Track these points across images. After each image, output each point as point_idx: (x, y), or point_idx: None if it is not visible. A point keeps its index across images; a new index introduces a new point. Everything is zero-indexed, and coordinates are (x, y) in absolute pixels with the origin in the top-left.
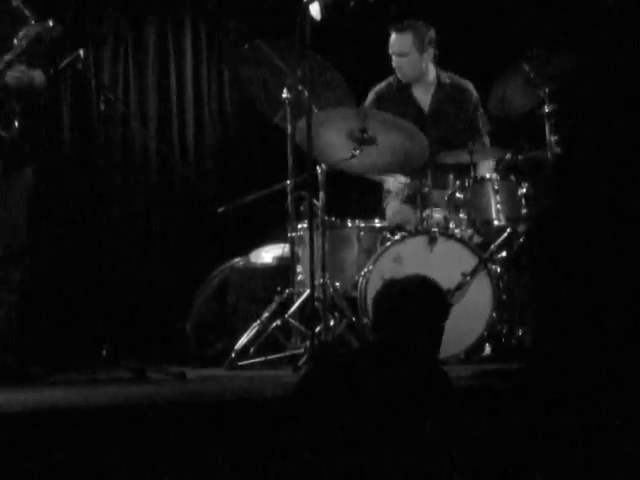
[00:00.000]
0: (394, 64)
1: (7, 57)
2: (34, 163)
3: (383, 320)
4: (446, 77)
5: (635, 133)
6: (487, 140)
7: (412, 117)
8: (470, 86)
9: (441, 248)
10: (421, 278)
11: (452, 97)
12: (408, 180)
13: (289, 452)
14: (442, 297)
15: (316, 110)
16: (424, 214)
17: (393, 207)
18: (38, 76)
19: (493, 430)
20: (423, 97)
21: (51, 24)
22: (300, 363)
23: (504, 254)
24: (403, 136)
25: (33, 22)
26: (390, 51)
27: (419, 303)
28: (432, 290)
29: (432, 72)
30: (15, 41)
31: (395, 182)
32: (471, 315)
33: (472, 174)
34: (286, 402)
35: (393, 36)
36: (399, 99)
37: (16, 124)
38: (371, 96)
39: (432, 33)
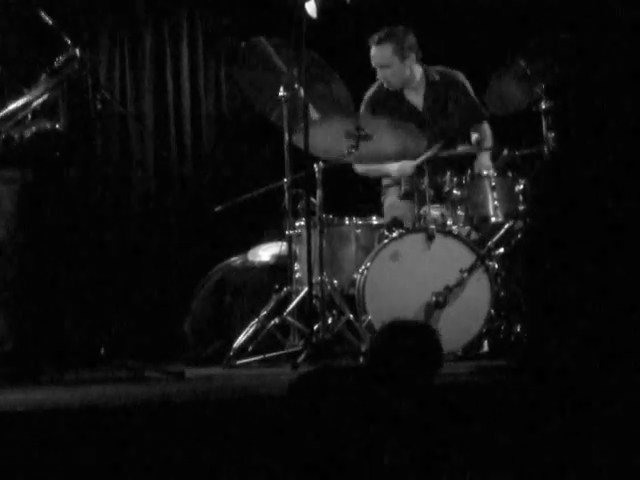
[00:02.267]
0: (379, 75)
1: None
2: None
3: (379, 362)
4: (434, 73)
5: (634, 129)
6: (487, 126)
7: (408, 118)
8: (460, 76)
9: (439, 245)
10: (421, 326)
11: (444, 91)
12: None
13: (288, 451)
14: (439, 349)
15: (313, 109)
16: (421, 211)
17: (390, 202)
18: None
19: (491, 427)
20: (415, 97)
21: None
22: (298, 361)
23: (502, 250)
24: (399, 131)
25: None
26: (372, 63)
27: (415, 353)
28: (430, 340)
29: (419, 72)
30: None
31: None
32: (469, 312)
33: (469, 171)
34: (282, 403)
35: (373, 49)
36: (392, 102)
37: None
38: (364, 104)
39: (411, 37)
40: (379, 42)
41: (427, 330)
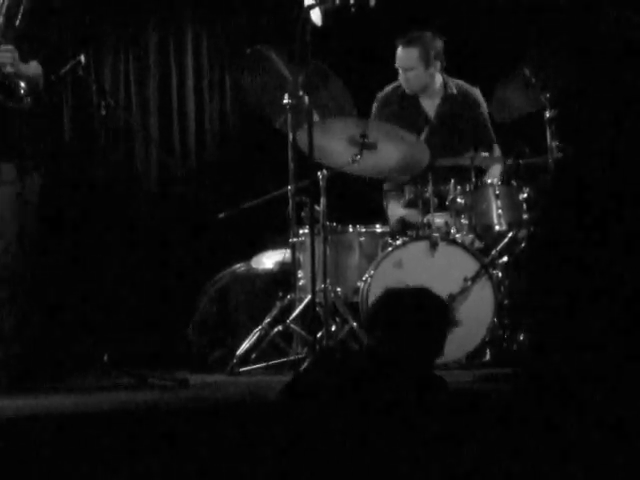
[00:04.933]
0: (400, 77)
1: None
2: (42, 167)
3: (378, 327)
4: (453, 86)
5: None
6: (497, 148)
7: (417, 124)
8: (478, 94)
9: (442, 253)
10: (425, 291)
11: (459, 106)
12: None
13: (290, 456)
14: (446, 313)
15: (317, 116)
16: (425, 219)
17: (394, 206)
18: (34, 66)
19: (494, 434)
20: (429, 105)
21: None
22: (302, 368)
23: (505, 259)
24: (404, 143)
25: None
26: (396, 64)
27: (418, 317)
28: (435, 304)
29: (439, 81)
30: None
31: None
32: (472, 320)
33: (473, 179)
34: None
35: (399, 50)
36: (405, 105)
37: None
38: (376, 101)
39: (439, 44)
40: (406, 44)
41: (429, 295)
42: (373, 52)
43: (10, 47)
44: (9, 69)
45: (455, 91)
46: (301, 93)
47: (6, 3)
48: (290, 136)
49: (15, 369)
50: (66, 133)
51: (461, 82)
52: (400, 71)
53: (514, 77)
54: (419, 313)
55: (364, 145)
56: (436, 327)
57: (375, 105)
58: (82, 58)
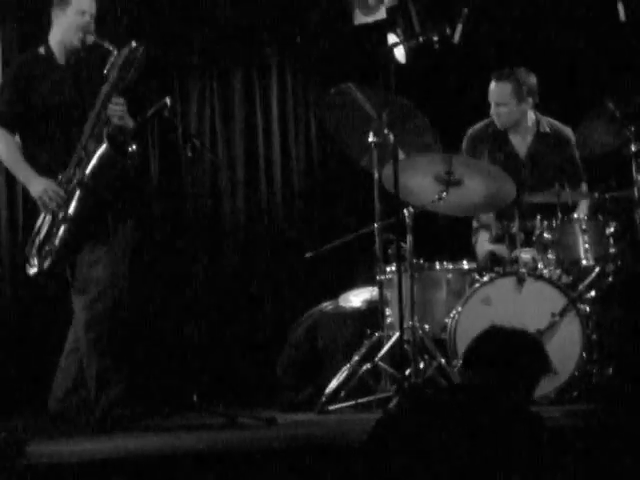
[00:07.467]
0: (492, 111)
1: (105, 89)
2: (134, 214)
3: (479, 363)
4: (546, 125)
5: None
6: (585, 187)
7: (507, 161)
8: (570, 134)
9: (530, 288)
10: (527, 334)
11: (551, 146)
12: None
13: None
14: (545, 357)
15: (402, 154)
16: (512, 255)
17: (482, 242)
18: (129, 119)
19: (584, 471)
20: (520, 143)
21: (134, 44)
22: (390, 406)
23: (593, 293)
24: (489, 179)
25: (116, 52)
26: (489, 98)
27: (521, 357)
28: (536, 347)
29: (531, 119)
30: (105, 72)
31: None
32: (561, 355)
33: (559, 214)
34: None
35: (493, 84)
36: (495, 142)
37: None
38: (467, 137)
39: (533, 80)
40: (499, 79)
41: (528, 336)
42: (458, 88)
43: (121, 100)
44: (118, 121)
45: (548, 130)
46: (386, 131)
47: (123, 57)
48: (375, 174)
49: (103, 408)
50: (153, 174)
51: (554, 121)
52: (492, 105)
53: (599, 112)
54: (519, 355)
55: (450, 182)
56: (533, 371)
57: (465, 141)
58: (168, 100)
